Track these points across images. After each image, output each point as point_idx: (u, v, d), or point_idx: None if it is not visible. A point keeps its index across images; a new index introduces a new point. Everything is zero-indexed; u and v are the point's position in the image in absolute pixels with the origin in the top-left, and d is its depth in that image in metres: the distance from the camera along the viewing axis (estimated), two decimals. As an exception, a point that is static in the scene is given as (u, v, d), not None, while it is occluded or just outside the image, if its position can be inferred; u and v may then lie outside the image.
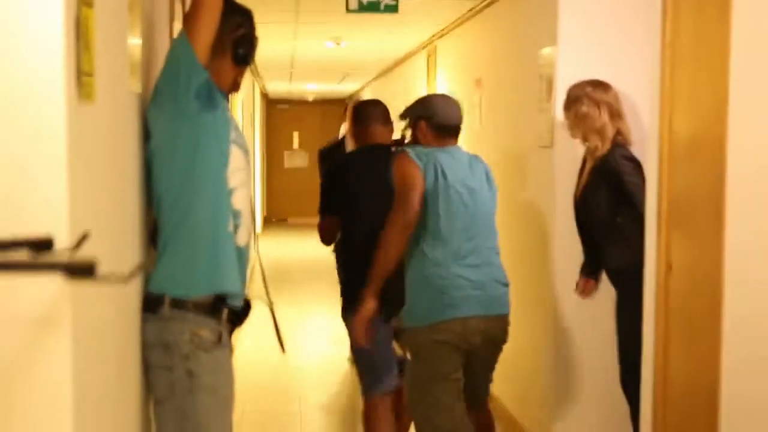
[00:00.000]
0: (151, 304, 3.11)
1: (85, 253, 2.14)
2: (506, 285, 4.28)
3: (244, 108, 11.84)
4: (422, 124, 4.23)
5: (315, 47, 10.91)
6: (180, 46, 3.16)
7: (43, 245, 2.04)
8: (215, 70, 3.31)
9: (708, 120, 3.43)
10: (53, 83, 2.14)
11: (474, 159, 4.37)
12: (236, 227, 3.26)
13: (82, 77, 2.27)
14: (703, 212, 3.42)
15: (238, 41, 3.36)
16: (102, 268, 1.97)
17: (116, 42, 2.77)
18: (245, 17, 3.44)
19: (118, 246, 2.80)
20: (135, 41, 3.04)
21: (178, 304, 3.07)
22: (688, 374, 3.61)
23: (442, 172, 4.12)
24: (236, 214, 3.26)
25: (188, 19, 3.23)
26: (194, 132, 3.14)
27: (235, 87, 3.44)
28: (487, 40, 7.33)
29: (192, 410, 3.13)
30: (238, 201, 3.27)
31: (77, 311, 2.25)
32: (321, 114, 22.64)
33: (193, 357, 3.12)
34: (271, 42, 10.24)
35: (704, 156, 3.43)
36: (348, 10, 6.43)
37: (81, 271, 1.82)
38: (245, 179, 3.35)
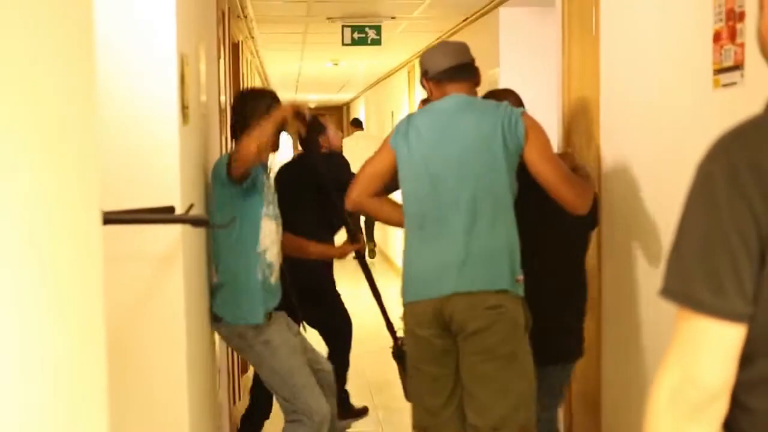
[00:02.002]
0: (216, 318, 3.61)
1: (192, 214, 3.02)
2: (488, 259, 3.07)
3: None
4: (423, 81, 3.38)
5: (317, 67, 11.31)
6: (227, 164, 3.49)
7: (168, 210, 2.81)
8: None
9: (588, 91, 4.12)
10: (171, 113, 2.84)
11: (468, 109, 3.19)
12: (270, 273, 3.61)
13: (184, 109, 2.93)
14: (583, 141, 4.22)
15: None
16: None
17: (195, 84, 3.33)
18: (272, 98, 3.78)
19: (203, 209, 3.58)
20: (203, 99, 3.59)
21: None
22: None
23: (409, 139, 3.21)
24: (270, 265, 3.62)
25: (241, 150, 3.44)
26: (235, 211, 3.51)
27: (276, 148, 3.70)
28: None
29: (279, 364, 3.61)
30: (271, 256, 3.62)
31: (185, 253, 2.93)
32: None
33: (261, 332, 3.60)
34: (282, 64, 10.88)
35: (586, 114, 4.21)
36: (343, 44, 7.11)
37: (200, 222, 2.75)
38: (275, 238, 3.67)
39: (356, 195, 3.30)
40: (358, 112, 18.45)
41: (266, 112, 3.61)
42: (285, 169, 4.83)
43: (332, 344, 4.90)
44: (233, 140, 3.91)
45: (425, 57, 3.40)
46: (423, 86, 3.44)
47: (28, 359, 1.02)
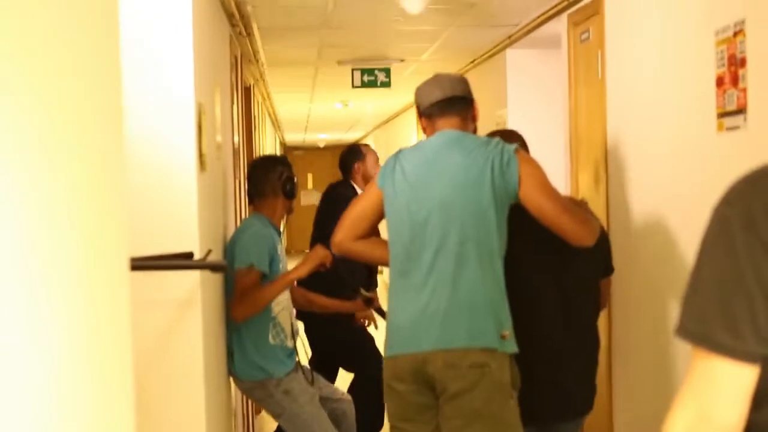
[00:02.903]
0: (236, 377, 3.73)
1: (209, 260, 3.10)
2: (472, 312, 2.84)
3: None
4: (419, 118, 3.15)
5: (327, 108, 11.41)
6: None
7: (188, 256, 2.86)
8: (271, 208, 3.85)
9: (595, 133, 4.27)
10: (189, 161, 2.91)
11: (456, 146, 2.94)
12: (285, 337, 3.73)
13: (201, 156, 3.00)
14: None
15: (284, 183, 3.86)
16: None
17: (212, 128, 3.40)
18: (283, 164, 3.95)
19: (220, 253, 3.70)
20: (218, 139, 3.66)
21: None
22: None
23: (395, 178, 3.01)
24: (283, 329, 3.74)
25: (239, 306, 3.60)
26: None
27: (291, 212, 3.95)
28: None
29: (300, 411, 3.72)
30: (283, 320, 3.75)
31: (204, 297, 2.98)
32: (331, 158, 22.98)
33: (281, 382, 3.70)
34: (292, 105, 10.92)
35: (593, 154, 4.36)
36: (353, 86, 7.17)
37: (218, 268, 2.83)
38: (287, 304, 3.83)
39: (340, 239, 3.10)
40: (368, 150, 18.46)
41: (278, 180, 3.83)
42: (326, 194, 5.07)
43: (361, 388, 4.83)
44: (250, 205, 4.08)
45: (418, 91, 3.16)
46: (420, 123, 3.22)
47: (61, 408, 1.06)
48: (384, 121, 14.49)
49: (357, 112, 12.29)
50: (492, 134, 3.55)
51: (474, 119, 3.12)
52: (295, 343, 3.88)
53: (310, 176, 23.26)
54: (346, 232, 3.08)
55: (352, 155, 5.23)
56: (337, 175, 5.33)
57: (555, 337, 3.11)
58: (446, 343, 2.82)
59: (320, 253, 3.79)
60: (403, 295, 2.93)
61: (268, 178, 3.84)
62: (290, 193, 3.89)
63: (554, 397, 3.10)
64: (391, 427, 3.00)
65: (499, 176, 2.86)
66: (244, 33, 5.12)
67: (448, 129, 3.01)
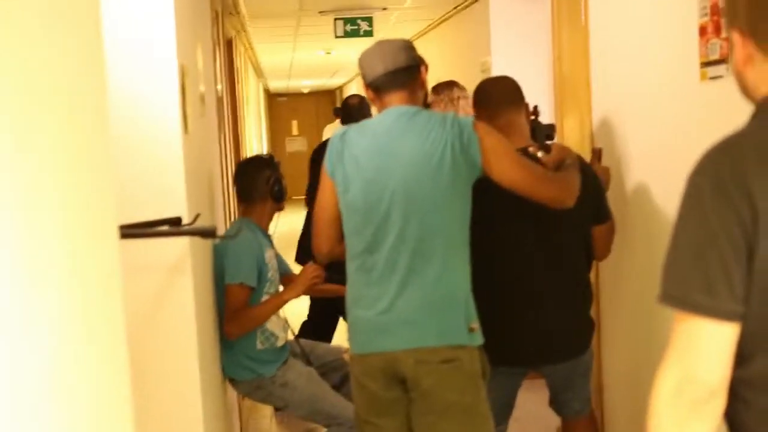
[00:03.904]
0: (231, 380, 3.76)
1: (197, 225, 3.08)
2: (440, 309, 2.77)
3: (251, 103, 12.41)
4: (366, 90, 2.96)
5: (309, 56, 11.39)
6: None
7: (176, 222, 2.83)
8: (259, 213, 3.83)
9: (579, 80, 4.24)
10: (174, 124, 2.85)
11: (410, 128, 2.78)
12: (274, 340, 3.73)
13: (186, 119, 2.92)
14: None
15: (273, 186, 3.83)
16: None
17: (194, 90, 3.33)
18: (270, 166, 3.90)
19: (212, 220, 3.67)
20: (201, 89, 3.57)
21: None
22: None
23: (345, 165, 2.85)
24: (272, 334, 3.74)
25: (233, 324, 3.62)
26: None
27: (281, 210, 3.95)
28: (442, 50, 7.97)
29: (303, 397, 3.74)
30: (272, 326, 3.74)
31: (194, 263, 2.95)
32: (315, 104, 22.83)
33: (276, 378, 3.73)
34: (275, 54, 10.94)
35: (577, 101, 4.35)
36: (336, 36, 7.15)
37: (208, 233, 2.82)
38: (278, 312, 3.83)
39: (326, 248, 2.98)
40: (352, 96, 18.38)
41: (266, 184, 3.82)
42: (321, 149, 5.03)
43: None
44: (239, 203, 4.05)
45: (361, 60, 2.95)
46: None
47: (55, 381, 1.06)
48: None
49: (340, 59, 12.24)
50: (435, 88, 3.59)
51: (422, 86, 2.94)
52: (287, 334, 3.90)
53: (294, 123, 23.16)
54: (327, 239, 2.97)
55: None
56: (322, 120, 5.42)
57: (536, 279, 3.11)
58: (416, 342, 2.76)
59: (312, 274, 3.80)
60: (367, 290, 2.82)
61: (256, 183, 3.83)
62: (279, 196, 3.88)
63: (535, 338, 3.12)
64: (362, 422, 2.94)
65: (461, 157, 2.73)
66: (224, -13, 5.06)
67: (396, 104, 2.85)
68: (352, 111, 5.34)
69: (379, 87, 2.88)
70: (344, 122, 5.34)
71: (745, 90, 1.53)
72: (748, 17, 1.46)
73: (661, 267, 1.45)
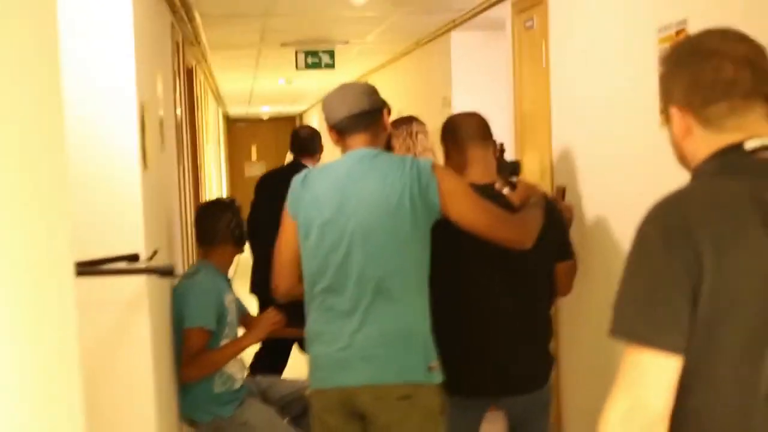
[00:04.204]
0: (190, 422, 3.72)
1: (155, 262, 3.05)
2: (399, 349, 2.79)
3: (210, 129, 12.37)
4: (329, 132, 3.00)
5: (270, 84, 11.35)
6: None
7: (133, 258, 2.81)
8: (219, 257, 3.81)
9: (540, 122, 4.32)
10: (132, 160, 2.86)
11: (370, 171, 2.84)
12: (232, 383, 3.73)
13: (145, 155, 2.96)
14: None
15: (234, 230, 3.83)
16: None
17: (155, 129, 3.37)
18: (232, 210, 3.91)
19: (170, 255, 3.67)
20: (160, 114, 3.61)
21: None
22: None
23: (306, 206, 2.88)
24: (230, 376, 3.73)
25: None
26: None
27: (241, 253, 3.96)
28: (404, 84, 8.03)
29: None
30: (230, 367, 3.73)
31: (151, 301, 2.95)
32: (274, 130, 22.86)
33: (235, 418, 3.71)
34: (235, 83, 10.90)
35: (538, 142, 4.38)
36: (297, 68, 7.14)
37: (166, 272, 2.79)
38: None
39: (284, 287, 3.00)
40: (311, 122, 18.46)
41: (227, 228, 3.80)
42: (269, 177, 5.07)
43: None
44: (198, 246, 4.01)
45: (325, 103, 2.99)
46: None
47: (5, 414, 1.03)
48: (328, 96, 14.34)
49: (301, 88, 12.22)
50: (394, 123, 3.59)
51: (384, 129, 3.00)
52: (244, 375, 3.88)
53: (254, 148, 23.10)
54: (287, 278, 2.98)
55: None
56: (281, 145, 5.39)
57: (500, 313, 3.12)
58: (374, 378, 2.79)
59: (272, 320, 3.81)
60: (327, 327, 2.85)
61: (217, 227, 3.81)
62: (239, 240, 3.87)
63: (495, 369, 3.13)
64: None
65: (419, 200, 2.78)
66: (186, 19, 5.05)
67: (359, 147, 2.90)
68: (302, 142, 5.32)
69: (342, 130, 2.91)
70: (294, 152, 5.34)
71: (683, 160, 1.71)
72: (684, 94, 1.65)
73: (612, 306, 1.59)
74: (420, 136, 3.87)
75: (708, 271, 1.51)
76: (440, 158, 3.37)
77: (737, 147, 1.60)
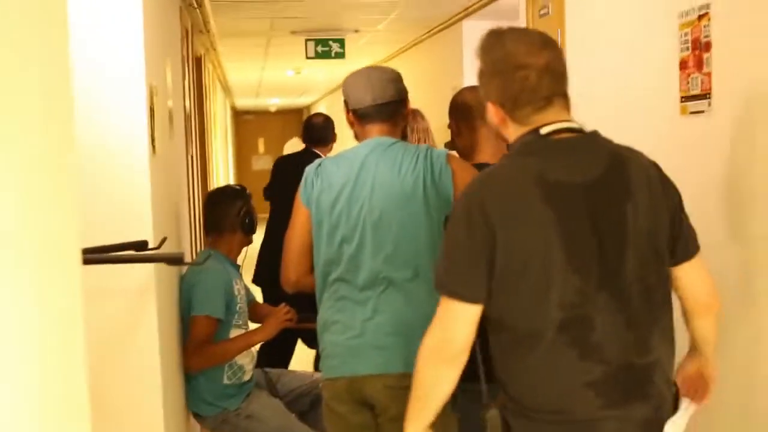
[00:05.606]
0: (197, 415, 3.68)
1: (164, 250, 3.01)
2: (408, 338, 2.70)
3: (218, 120, 12.42)
4: (346, 113, 2.94)
5: (279, 75, 11.34)
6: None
7: (142, 246, 2.78)
8: (228, 245, 3.76)
9: None
10: (141, 145, 2.83)
11: (386, 160, 2.80)
12: (242, 374, 3.68)
13: (153, 140, 2.92)
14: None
15: (243, 219, 3.77)
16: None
17: (164, 114, 3.36)
18: (242, 198, 3.83)
19: (178, 243, 3.63)
20: (169, 104, 3.58)
21: None
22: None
23: (321, 194, 2.85)
24: (240, 367, 3.68)
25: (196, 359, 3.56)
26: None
27: (249, 243, 3.91)
28: (414, 73, 8.07)
29: (269, 429, 3.67)
30: (239, 358, 3.67)
31: (159, 287, 2.92)
32: (282, 122, 22.88)
33: (241, 411, 3.66)
34: (243, 73, 10.89)
35: None
36: (307, 57, 7.11)
37: (175, 260, 2.74)
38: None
39: (294, 276, 2.94)
40: (320, 115, 18.37)
41: (237, 216, 3.73)
42: (284, 161, 5.16)
43: None
44: (207, 234, 3.96)
45: (347, 84, 2.92)
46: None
47: (12, 404, 1.01)
48: (337, 87, 14.32)
49: (309, 79, 12.20)
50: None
51: (404, 118, 2.96)
52: (252, 366, 3.82)
53: (261, 141, 23.11)
54: (297, 269, 2.94)
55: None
56: (288, 139, 5.36)
57: None
58: (385, 368, 2.77)
59: (284, 317, 3.76)
60: (339, 316, 2.82)
61: (227, 214, 3.74)
62: (249, 229, 3.81)
63: None
64: None
65: (432, 189, 2.75)
66: (195, 5, 5.00)
67: (376, 135, 2.85)
68: (315, 130, 5.25)
69: (363, 116, 2.87)
70: (305, 140, 5.27)
71: (502, 137, 2.15)
72: (497, 96, 2.07)
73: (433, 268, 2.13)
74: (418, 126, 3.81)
75: (500, 242, 1.97)
76: (440, 144, 3.29)
77: (535, 131, 2.03)
